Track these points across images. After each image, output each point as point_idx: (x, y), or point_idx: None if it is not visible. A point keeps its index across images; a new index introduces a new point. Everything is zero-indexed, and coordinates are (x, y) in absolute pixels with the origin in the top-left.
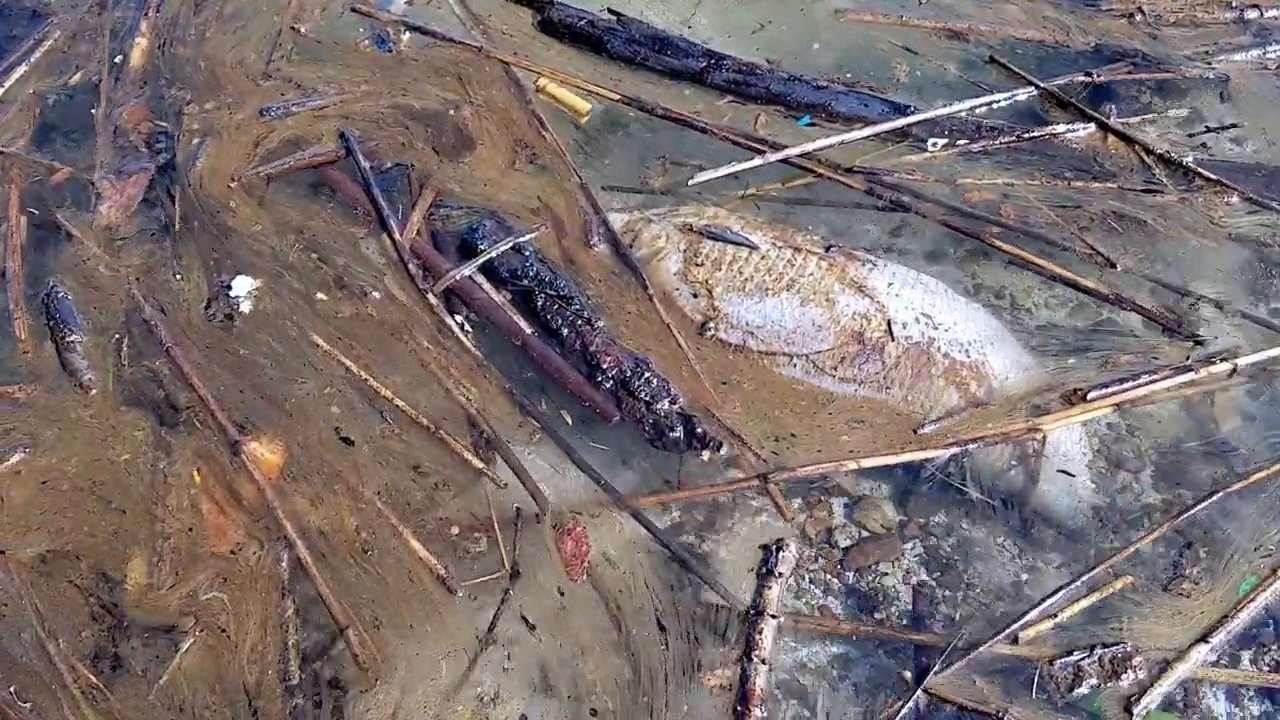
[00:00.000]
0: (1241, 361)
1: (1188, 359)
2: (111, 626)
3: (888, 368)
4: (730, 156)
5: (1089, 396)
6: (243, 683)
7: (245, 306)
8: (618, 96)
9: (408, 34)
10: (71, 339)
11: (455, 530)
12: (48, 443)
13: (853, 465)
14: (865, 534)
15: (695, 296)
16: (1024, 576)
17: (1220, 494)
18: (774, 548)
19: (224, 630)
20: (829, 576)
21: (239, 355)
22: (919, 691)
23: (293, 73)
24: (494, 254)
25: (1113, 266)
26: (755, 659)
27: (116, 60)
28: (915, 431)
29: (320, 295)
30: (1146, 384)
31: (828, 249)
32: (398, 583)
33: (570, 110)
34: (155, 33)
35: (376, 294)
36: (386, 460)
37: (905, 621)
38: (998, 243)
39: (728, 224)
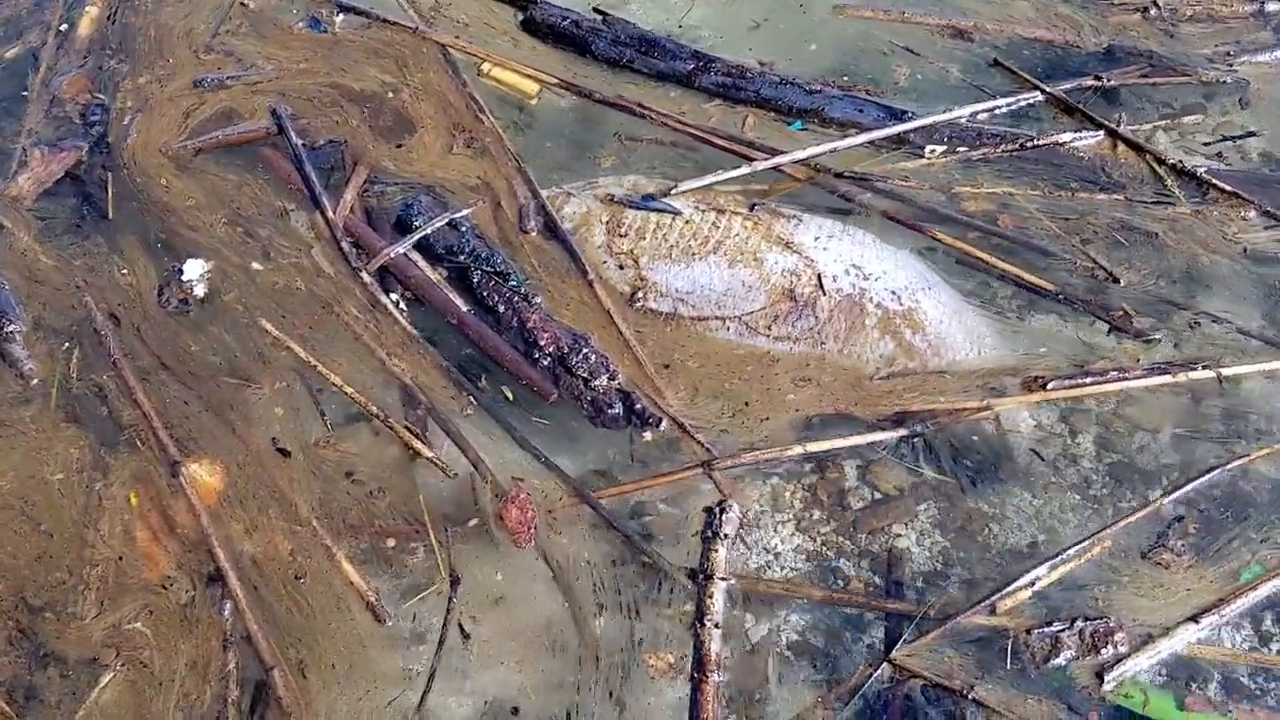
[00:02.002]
0: (1226, 371)
1: (1138, 359)
2: (28, 654)
3: (821, 322)
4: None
5: (1048, 386)
6: None
7: (200, 290)
8: (556, 80)
9: (341, 15)
10: (10, 329)
11: (391, 543)
12: None
13: (798, 450)
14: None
15: (621, 268)
16: (999, 549)
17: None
18: (717, 509)
19: (147, 665)
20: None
21: (190, 353)
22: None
23: (236, 45)
24: (429, 230)
25: (1115, 281)
26: (708, 624)
27: (62, 28)
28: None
29: (256, 265)
30: (1113, 381)
31: (752, 208)
32: (326, 615)
33: (518, 93)
34: (106, 1)
35: (310, 272)
36: (320, 470)
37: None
38: (941, 236)
39: (648, 190)
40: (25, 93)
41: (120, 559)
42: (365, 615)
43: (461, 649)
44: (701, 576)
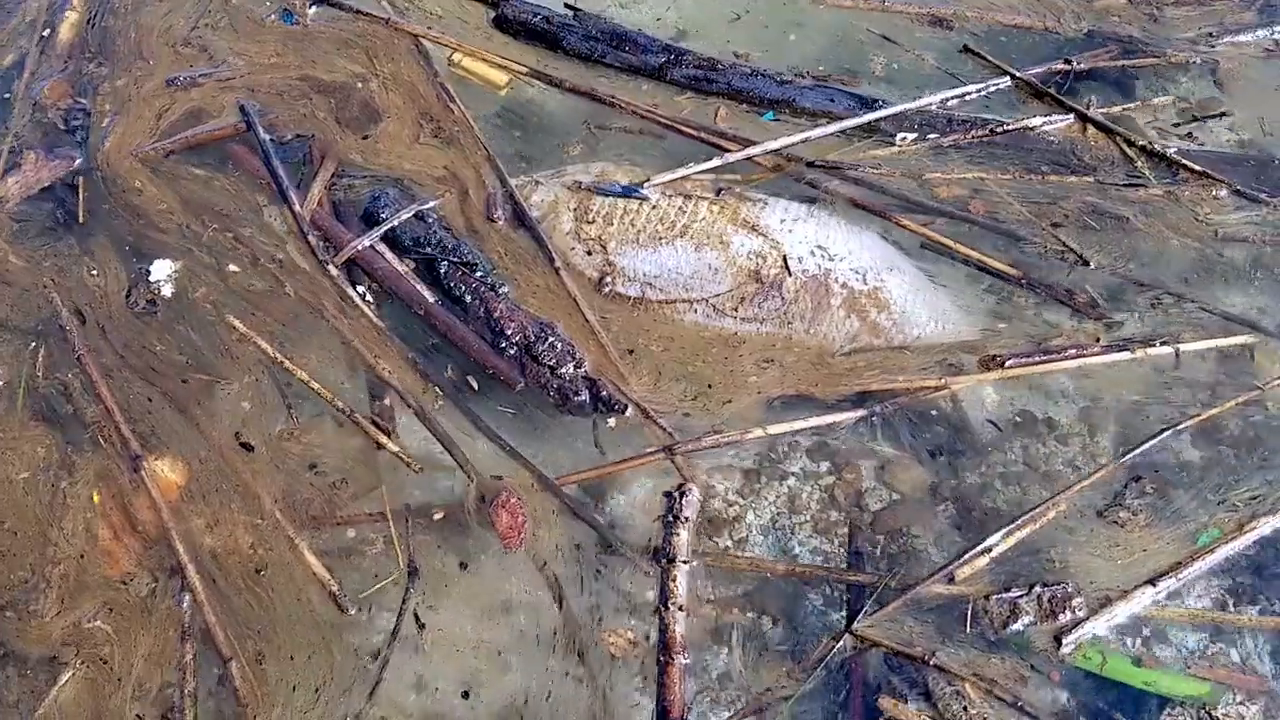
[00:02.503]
0: (1184, 347)
1: (1098, 339)
2: None
3: (787, 303)
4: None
5: (1006, 364)
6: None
7: (167, 290)
8: (526, 70)
9: (313, 8)
10: None
11: (352, 534)
12: None
13: (758, 433)
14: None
15: (589, 254)
16: (957, 521)
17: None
18: (677, 493)
19: (106, 662)
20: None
21: (154, 353)
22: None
23: (211, 40)
24: (396, 222)
25: (1085, 264)
26: (672, 606)
27: (45, 34)
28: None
29: (231, 267)
30: (1072, 358)
31: (718, 192)
32: (286, 607)
33: (488, 84)
34: (87, 5)
35: (280, 267)
36: (284, 463)
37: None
38: (907, 224)
39: (616, 178)
40: (8, 98)
41: (82, 557)
42: (325, 606)
43: (417, 638)
44: (664, 560)
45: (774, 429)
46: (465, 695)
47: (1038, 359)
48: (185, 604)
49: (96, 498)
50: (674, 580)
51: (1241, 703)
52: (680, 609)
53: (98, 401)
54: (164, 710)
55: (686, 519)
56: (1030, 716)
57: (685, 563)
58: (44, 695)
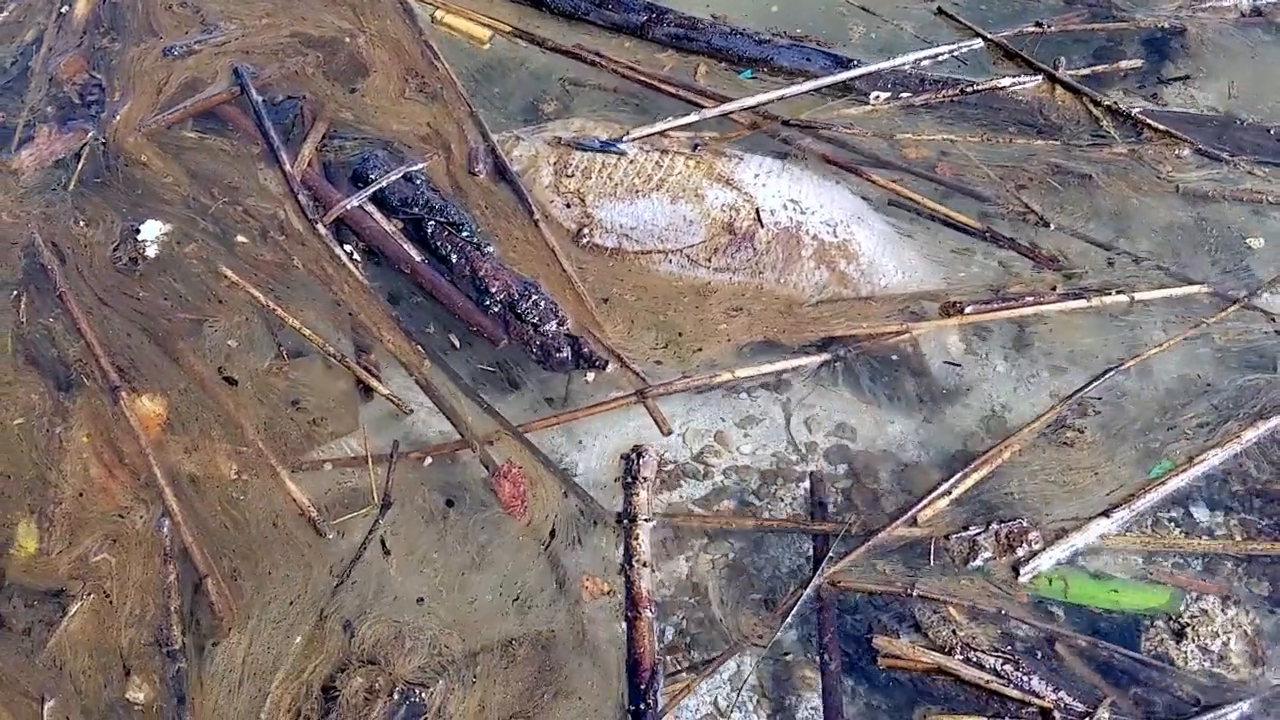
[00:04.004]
0: (1139, 295)
1: (1054, 288)
2: None
3: (759, 254)
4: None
5: (965, 310)
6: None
7: (152, 251)
8: (509, 29)
9: None
10: None
11: (329, 467)
12: None
13: (726, 376)
14: None
15: (569, 206)
16: (917, 461)
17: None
18: (634, 455)
19: (108, 595)
20: None
21: (138, 299)
22: (819, 580)
23: (204, 4)
24: (383, 183)
25: (1046, 225)
26: (637, 564)
27: (63, 10)
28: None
29: (241, 238)
30: (1029, 305)
31: (694, 148)
32: (263, 528)
33: (470, 39)
34: None
35: (276, 226)
36: (267, 398)
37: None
38: (876, 179)
39: (595, 134)
40: (29, 72)
41: (81, 495)
42: (300, 529)
43: (382, 561)
44: (626, 520)
45: (741, 372)
46: (420, 601)
47: (996, 306)
48: (165, 528)
49: (87, 438)
50: (636, 539)
51: (1203, 607)
52: (645, 565)
53: (79, 338)
54: (154, 631)
55: (645, 479)
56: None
57: (647, 520)
58: (56, 626)
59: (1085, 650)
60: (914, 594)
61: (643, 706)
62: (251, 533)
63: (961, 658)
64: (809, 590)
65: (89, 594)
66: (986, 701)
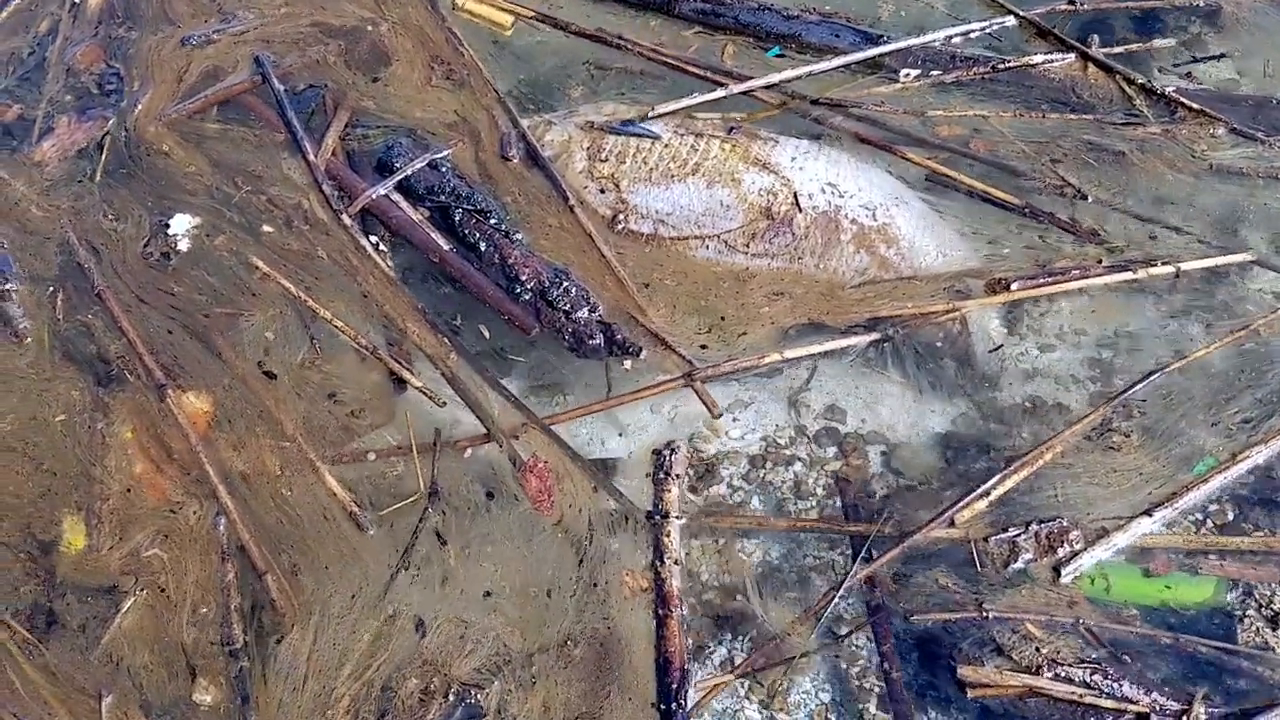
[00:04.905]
0: (1184, 265)
1: (1100, 261)
2: (44, 584)
3: (798, 239)
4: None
5: (1011, 286)
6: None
7: (184, 245)
8: (532, 13)
9: None
10: (6, 288)
11: (373, 457)
12: None
13: (774, 357)
14: None
15: (603, 192)
16: (956, 456)
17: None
18: (666, 450)
19: (163, 590)
20: None
21: (174, 294)
22: (849, 583)
23: None
24: (409, 171)
25: (1084, 198)
26: (668, 560)
27: (76, 1)
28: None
29: (267, 228)
30: (1075, 279)
31: (730, 131)
32: (315, 523)
33: (492, 25)
34: None
35: (302, 218)
36: (304, 391)
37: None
38: (912, 157)
39: (627, 117)
40: (45, 63)
41: (128, 490)
42: (350, 524)
43: (440, 552)
44: (657, 516)
45: (790, 353)
46: (487, 595)
47: (1042, 281)
48: (221, 526)
49: (131, 434)
50: (668, 535)
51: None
52: (676, 563)
53: (120, 335)
54: (218, 630)
55: (677, 475)
56: (1092, 634)
57: (678, 518)
58: (109, 622)
59: (1166, 648)
60: (990, 616)
61: (673, 706)
62: (305, 528)
63: (1050, 675)
64: (839, 591)
65: (142, 589)
66: (1082, 715)
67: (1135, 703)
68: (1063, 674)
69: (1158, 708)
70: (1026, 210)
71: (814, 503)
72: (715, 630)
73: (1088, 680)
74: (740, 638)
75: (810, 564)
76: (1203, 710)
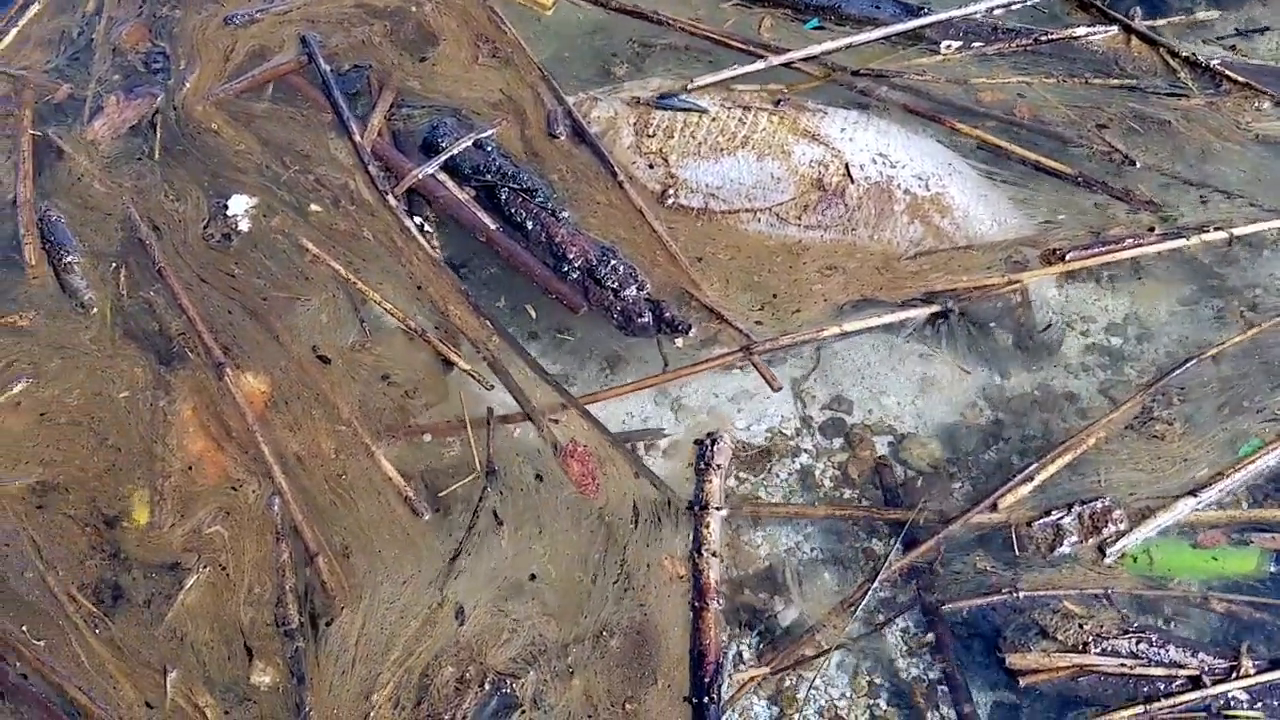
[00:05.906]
0: (1237, 231)
1: (1153, 229)
2: (110, 559)
3: (851, 210)
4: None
5: (1067, 257)
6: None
7: (244, 225)
8: None
9: None
10: (69, 260)
11: (428, 438)
12: (51, 373)
13: (833, 330)
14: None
15: (651, 167)
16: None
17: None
18: (708, 441)
19: (224, 568)
20: None
21: (233, 275)
22: (884, 574)
23: None
24: (454, 151)
25: (1132, 164)
26: (706, 553)
27: None
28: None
29: (314, 207)
30: (1130, 248)
31: (777, 103)
32: (369, 506)
33: (534, 4)
34: None
35: (350, 198)
36: (358, 374)
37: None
38: (959, 126)
39: (671, 92)
40: (93, 44)
41: (190, 468)
42: (404, 506)
43: (495, 532)
44: (697, 508)
45: (849, 326)
46: (532, 578)
47: (1098, 250)
48: (275, 506)
49: (192, 412)
50: (707, 527)
51: None
52: (714, 555)
53: (180, 313)
54: (271, 610)
55: (719, 466)
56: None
57: (718, 509)
58: (173, 598)
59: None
60: (1020, 595)
61: (706, 700)
62: (359, 511)
63: (1097, 651)
64: (876, 582)
65: (204, 567)
66: (1135, 686)
67: (1184, 666)
68: (1109, 648)
69: (1206, 668)
70: (1079, 179)
71: (851, 491)
72: (747, 621)
73: (1134, 650)
74: (770, 632)
75: (846, 554)
76: (1250, 662)
